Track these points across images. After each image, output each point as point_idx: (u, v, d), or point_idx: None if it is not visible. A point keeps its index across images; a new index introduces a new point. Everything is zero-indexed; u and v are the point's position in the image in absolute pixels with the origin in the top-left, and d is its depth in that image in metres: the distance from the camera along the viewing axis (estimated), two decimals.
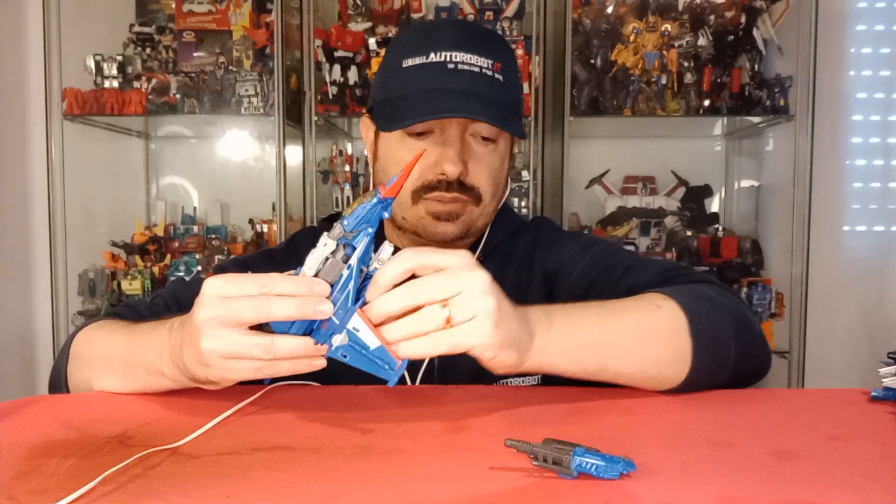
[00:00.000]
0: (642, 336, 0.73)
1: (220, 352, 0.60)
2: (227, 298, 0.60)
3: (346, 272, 0.59)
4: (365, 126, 1.01)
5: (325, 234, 0.60)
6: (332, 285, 0.60)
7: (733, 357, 0.77)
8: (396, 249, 0.62)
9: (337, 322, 0.59)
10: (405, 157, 0.91)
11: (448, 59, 0.89)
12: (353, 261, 0.59)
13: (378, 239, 0.61)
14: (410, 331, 0.59)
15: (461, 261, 0.61)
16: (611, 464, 0.50)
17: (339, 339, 0.59)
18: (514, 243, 1.02)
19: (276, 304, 0.59)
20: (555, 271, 0.97)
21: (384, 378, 0.59)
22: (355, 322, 0.59)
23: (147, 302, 0.95)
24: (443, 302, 0.59)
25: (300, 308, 0.59)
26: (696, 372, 0.74)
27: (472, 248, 0.99)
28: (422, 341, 0.59)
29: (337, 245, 0.60)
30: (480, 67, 0.89)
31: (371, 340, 0.59)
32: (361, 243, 0.59)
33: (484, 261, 0.99)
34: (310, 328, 0.61)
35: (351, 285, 0.59)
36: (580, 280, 0.93)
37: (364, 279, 0.61)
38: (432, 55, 0.89)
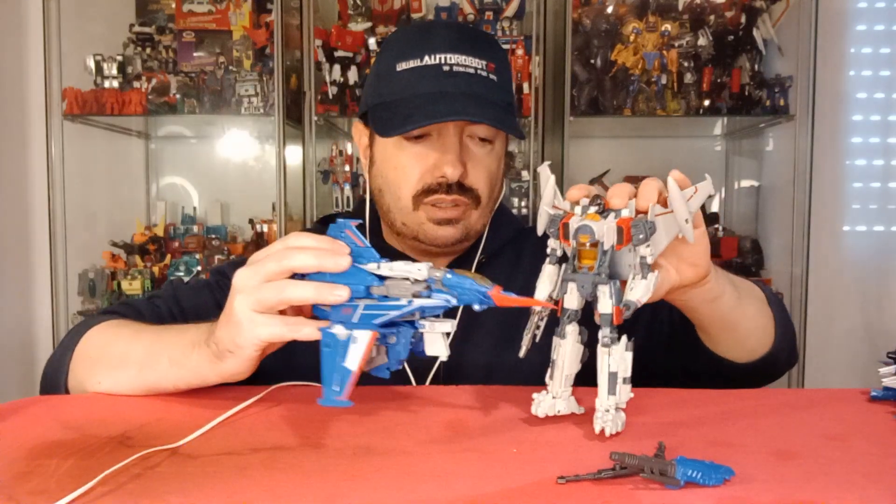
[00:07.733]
0: (760, 300, 0.84)
1: (250, 302, 0.64)
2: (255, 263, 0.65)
3: (404, 301, 0.59)
4: (358, 131, 1.01)
5: (429, 265, 0.60)
6: (385, 297, 0.60)
7: (791, 344, 0.88)
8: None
9: (353, 320, 0.60)
10: (404, 162, 0.92)
11: (443, 61, 0.89)
12: (420, 301, 0.59)
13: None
14: None
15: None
16: (713, 472, 0.49)
17: (339, 330, 0.60)
18: (520, 246, 1.02)
19: (296, 255, 0.62)
20: None
21: (324, 394, 0.59)
22: (361, 337, 0.59)
23: (145, 302, 0.94)
24: None
25: (318, 257, 0.61)
26: (776, 346, 0.84)
27: (472, 251, 0.99)
28: None
29: (424, 280, 0.59)
30: (475, 69, 0.90)
31: (352, 361, 0.59)
32: (438, 299, 0.59)
33: (486, 262, 0.99)
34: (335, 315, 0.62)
35: (394, 313, 0.59)
36: None
37: (404, 322, 0.61)
38: (426, 58, 0.89)
